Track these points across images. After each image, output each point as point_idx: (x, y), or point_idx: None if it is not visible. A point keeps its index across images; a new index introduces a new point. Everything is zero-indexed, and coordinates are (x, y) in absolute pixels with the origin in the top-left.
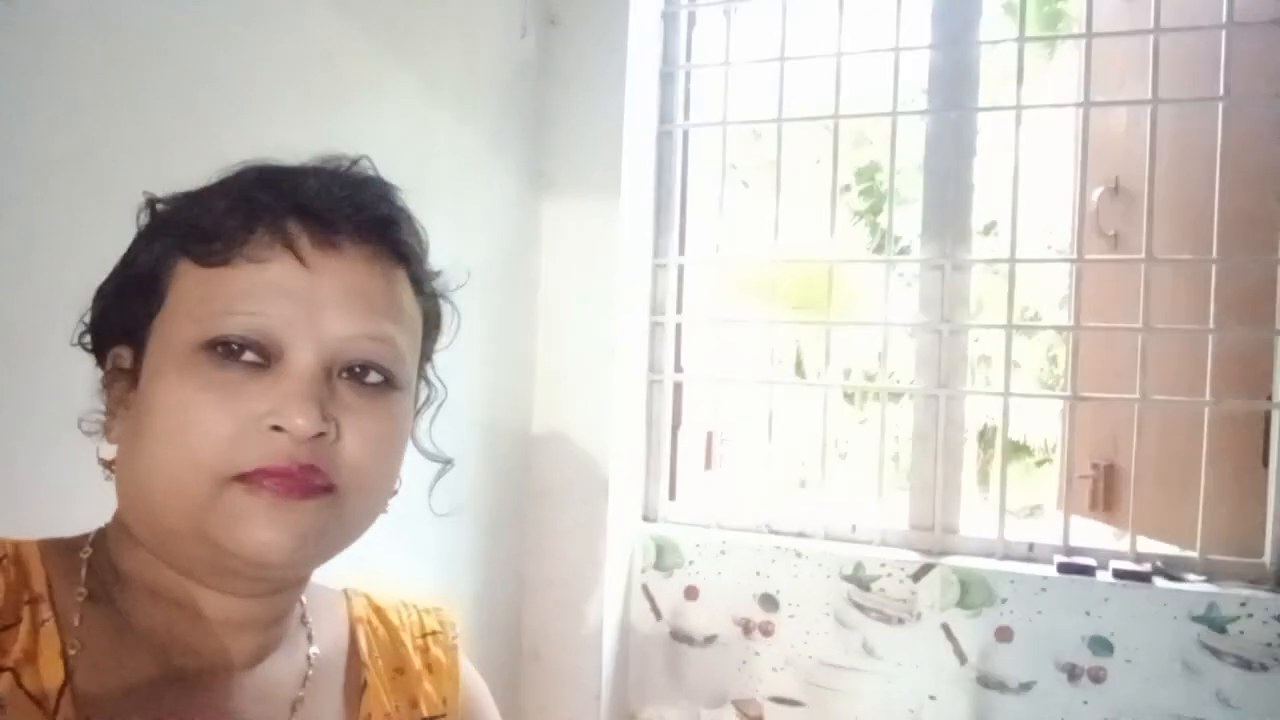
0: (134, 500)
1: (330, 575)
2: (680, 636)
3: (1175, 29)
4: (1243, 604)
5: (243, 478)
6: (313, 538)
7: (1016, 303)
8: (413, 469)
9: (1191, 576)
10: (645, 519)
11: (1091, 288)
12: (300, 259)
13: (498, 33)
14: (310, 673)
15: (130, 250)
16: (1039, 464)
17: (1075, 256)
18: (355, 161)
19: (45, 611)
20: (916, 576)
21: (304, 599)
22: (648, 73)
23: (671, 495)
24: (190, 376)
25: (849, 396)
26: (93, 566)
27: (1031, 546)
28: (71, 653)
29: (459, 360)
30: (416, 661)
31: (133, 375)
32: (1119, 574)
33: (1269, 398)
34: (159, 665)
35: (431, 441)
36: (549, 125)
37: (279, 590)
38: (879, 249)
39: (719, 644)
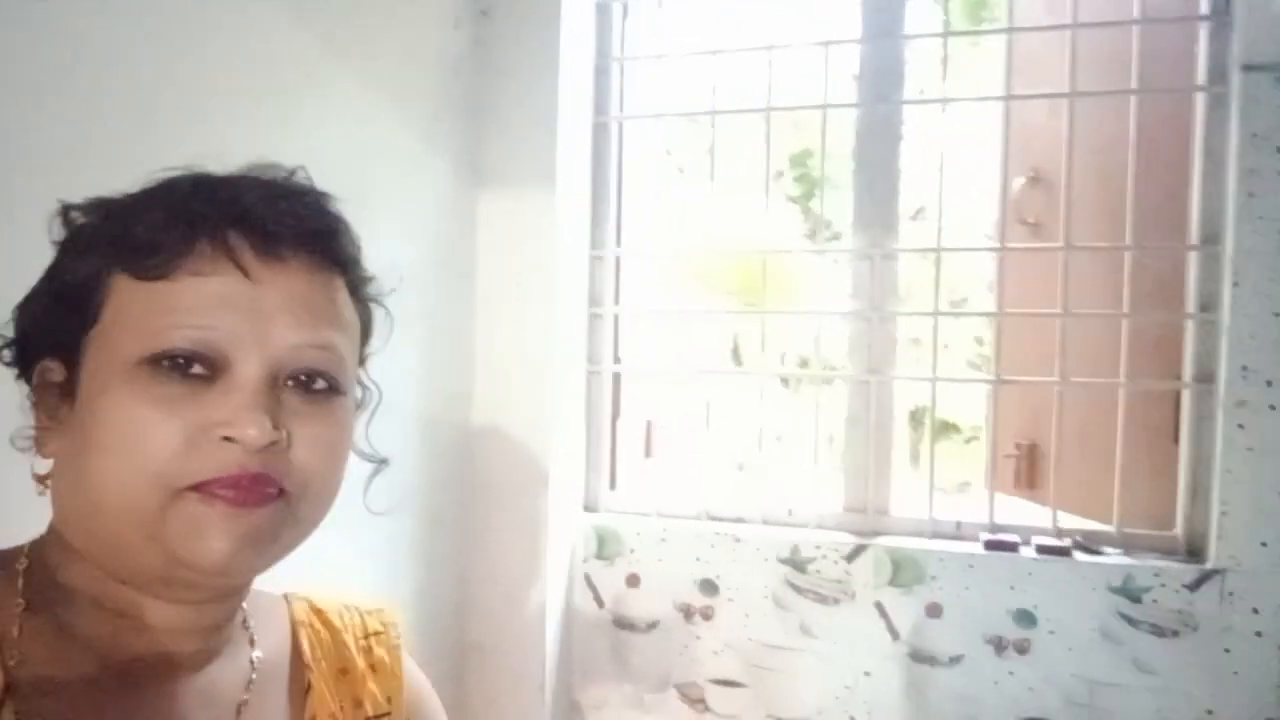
0: (77, 513)
1: (273, 577)
2: (623, 623)
3: (1091, 24)
4: (1156, 574)
5: (196, 488)
6: (266, 544)
7: (947, 287)
8: (351, 469)
9: (1109, 550)
10: (586, 509)
11: (1014, 274)
12: (243, 270)
13: (431, 25)
14: (254, 676)
15: (56, 263)
16: (967, 441)
17: (998, 245)
18: (292, 172)
19: None
20: (850, 557)
21: (245, 604)
22: (582, 64)
23: (612, 485)
24: (138, 391)
25: (785, 382)
26: (30, 577)
27: (959, 525)
28: (11, 663)
29: (397, 357)
30: (360, 662)
31: (65, 389)
32: (1041, 549)
33: (1179, 378)
34: (103, 674)
35: (368, 442)
36: (483, 118)
37: (223, 596)
38: (812, 234)
39: (661, 629)
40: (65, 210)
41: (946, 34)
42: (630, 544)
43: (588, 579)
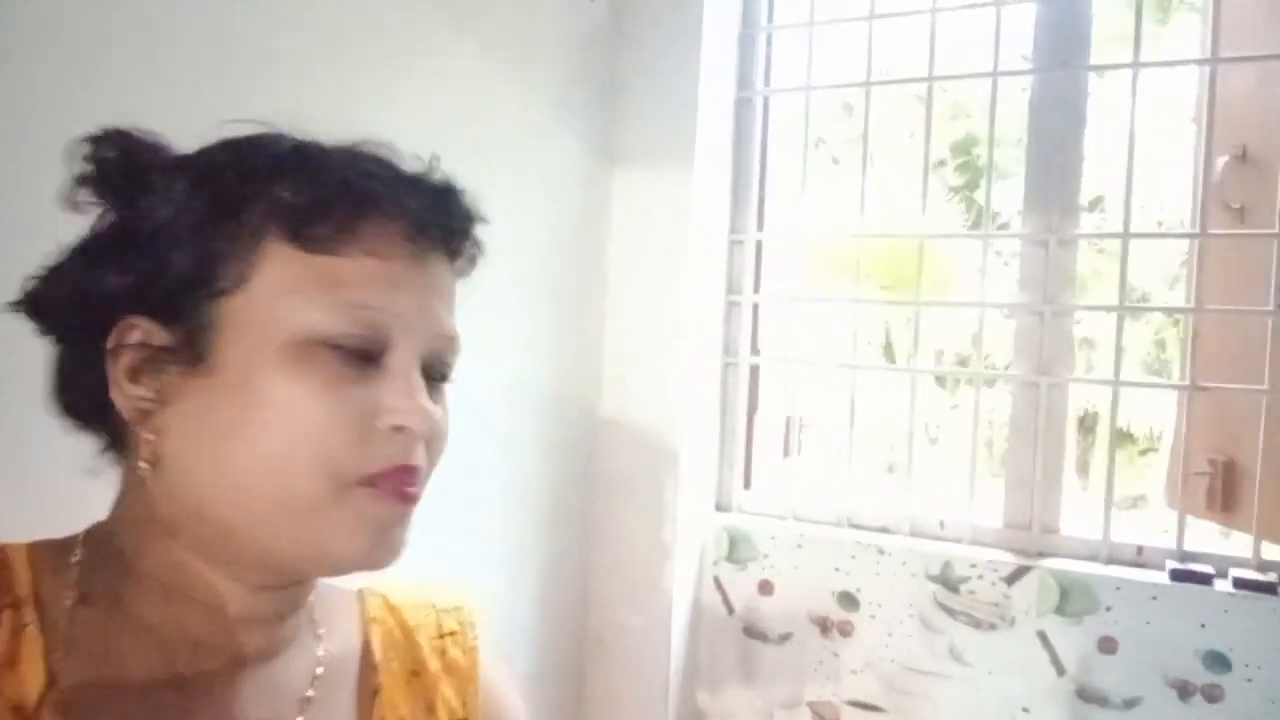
0: (203, 495)
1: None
2: (754, 633)
3: None
4: None
5: (366, 481)
6: (407, 539)
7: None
8: (474, 452)
9: None
10: (718, 508)
11: (1211, 267)
12: (406, 259)
13: None
14: (320, 671)
15: (155, 211)
16: (1143, 453)
17: (1198, 230)
18: (433, 164)
19: (28, 615)
20: (1011, 579)
21: (313, 596)
22: (725, 34)
23: (746, 484)
24: (307, 373)
25: (940, 380)
26: (88, 567)
27: (1140, 550)
28: (56, 656)
29: (525, 340)
30: (433, 664)
31: (182, 358)
32: (1240, 583)
33: None
34: (161, 666)
35: None
36: (619, 92)
37: (299, 582)
38: (975, 226)
39: (794, 642)
40: (116, 140)
41: None
42: (764, 548)
43: (717, 582)
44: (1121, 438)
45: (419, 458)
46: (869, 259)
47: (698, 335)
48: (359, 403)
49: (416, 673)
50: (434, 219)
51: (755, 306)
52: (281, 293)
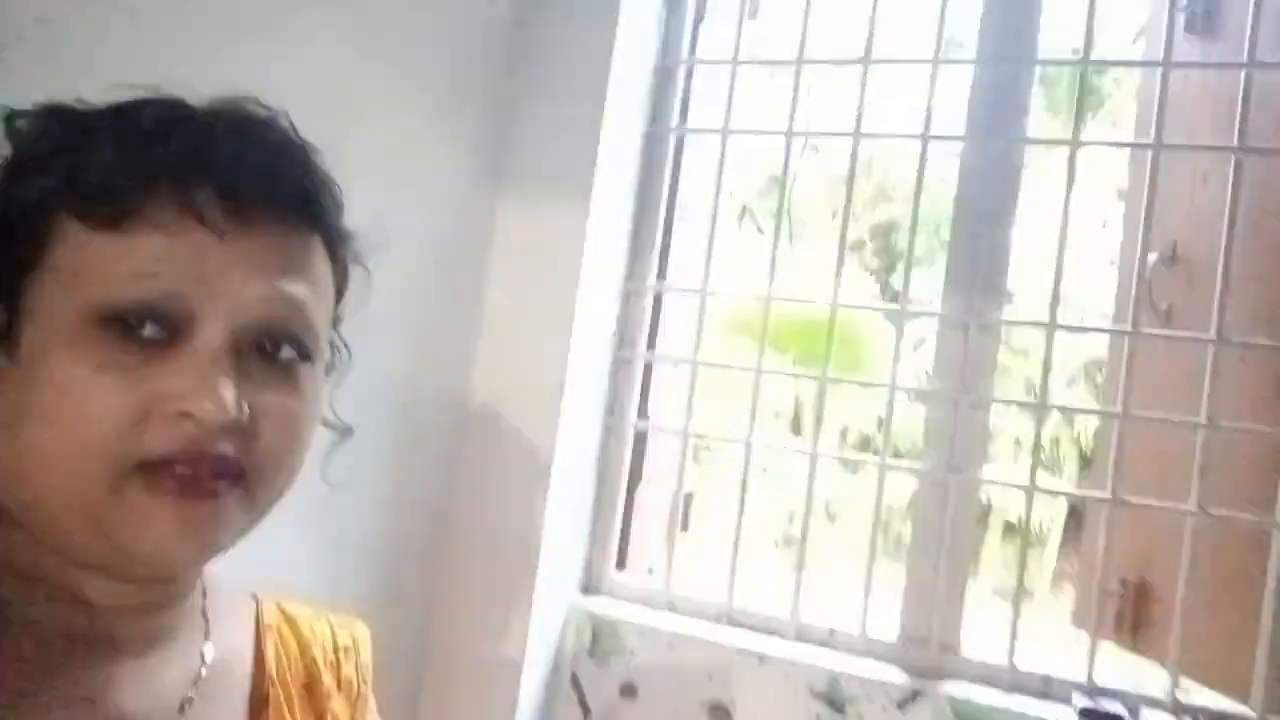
0: (16, 484)
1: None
2: None
3: (1272, 64)
4: None
5: (144, 468)
6: (219, 535)
7: (1023, 379)
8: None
9: None
10: (584, 590)
11: (1136, 370)
12: (208, 228)
13: None
14: (203, 673)
15: None
16: (1030, 546)
17: (1128, 328)
18: (272, 116)
19: None
20: (903, 703)
21: (205, 592)
22: (640, 63)
23: (620, 564)
24: (83, 353)
25: (844, 462)
26: None
27: (1048, 680)
28: None
29: (371, 380)
30: (327, 678)
31: (3, 337)
32: None
33: None
34: (35, 656)
35: (333, 410)
36: (514, 105)
37: (175, 576)
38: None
39: None
40: (10, 118)
41: (1086, 61)
42: (631, 644)
43: (575, 680)
44: (1008, 529)
45: (221, 448)
46: (780, 331)
47: (578, 391)
48: (144, 385)
49: (310, 685)
50: (254, 186)
51: (648, 365)
52: (69, 270)
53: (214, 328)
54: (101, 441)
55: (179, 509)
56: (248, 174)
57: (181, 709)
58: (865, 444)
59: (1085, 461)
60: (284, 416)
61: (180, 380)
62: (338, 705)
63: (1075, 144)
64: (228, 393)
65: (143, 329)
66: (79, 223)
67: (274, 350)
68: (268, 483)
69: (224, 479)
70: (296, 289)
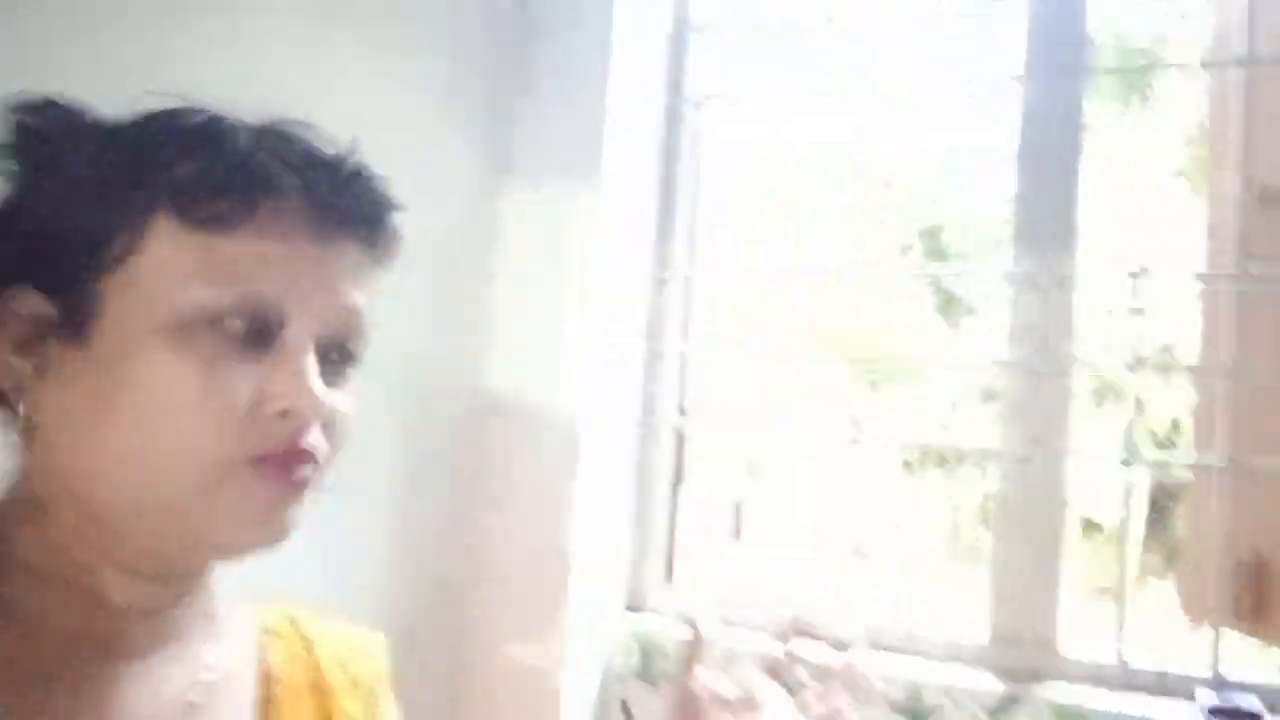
0: (83, 482)
1: None
2: None
3: None
4: None
5: (245, 463)
6: (299, 521)
7: (1101, 345)
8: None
9: None
10: (630, 608)
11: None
12: (305, 237)
13: None
14: (207, 677)
15: (45, 180)
16: (1108, 542)
17: (1235, 272)
18: (351, 146)
19: None
20: (997, 712)
21: (210, 602)
22: (650, 29)
23: (668, 576)
24: (186, 353)
25: (907, 466)
26: None
27: (1164, 676)
28: None
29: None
30: (333, 678)
31: (62, 333)
32: None
33: None
34: (33, 661)
35: None
36: (522, 85)
37: (187, 573)
38: (944, 311)
39: None
40: (32, 107)
41: None
42: None
43: (624, 707)
44: (1088, 526)
45: (311, 441)
46: (825, 333)
47: (606, 392)
48: (242, 385)
49: (315, 685)
50: (340, 202)
51: (682, 357)
52: (167, 270)
53: (302, 331)
54: (214, 440)
55: (280, 499)
56: (339, 190)
57: (185, 713)
58: (925, 456)
59: (1166, 442)
60: (342, 414)
61: (278, 380)
62: (348, 703)
63: (1146, 68)
64: (322, 390)
65: (237, 330)
66: (181, 222)
67: (337, 354)
68: (324, 474)
69: (309, 468)
70: (359, 299)
